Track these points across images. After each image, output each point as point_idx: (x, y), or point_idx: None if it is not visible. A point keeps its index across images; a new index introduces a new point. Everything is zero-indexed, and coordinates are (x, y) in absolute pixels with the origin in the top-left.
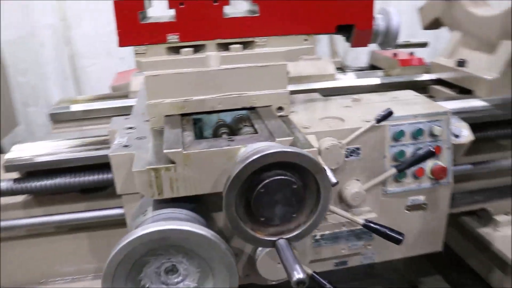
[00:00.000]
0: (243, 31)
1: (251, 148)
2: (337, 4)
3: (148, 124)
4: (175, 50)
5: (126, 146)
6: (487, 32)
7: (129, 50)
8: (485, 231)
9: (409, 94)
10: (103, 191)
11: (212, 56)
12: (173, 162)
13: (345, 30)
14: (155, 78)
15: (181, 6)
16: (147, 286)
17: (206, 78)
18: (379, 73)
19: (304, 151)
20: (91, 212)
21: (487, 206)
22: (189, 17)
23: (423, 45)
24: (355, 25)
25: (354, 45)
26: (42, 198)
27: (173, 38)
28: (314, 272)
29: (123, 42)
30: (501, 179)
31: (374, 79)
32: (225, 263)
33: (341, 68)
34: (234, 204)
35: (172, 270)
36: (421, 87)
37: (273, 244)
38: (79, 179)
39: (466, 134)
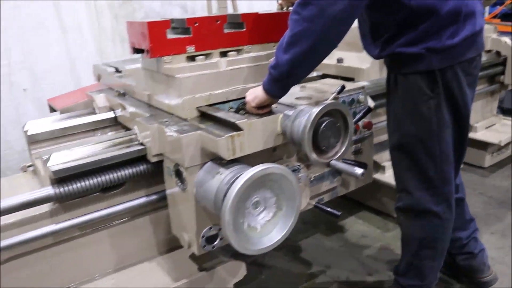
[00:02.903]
0: (237, 41)
1: (294, 111)
2: None
3: (173, 118)
4: (191, 58)
5: (184, 130)
6: (354, 37)
7: (30, 81)
8: (377, 176)
9: (329, 80)
10: (121, 188)
11: (221, 61)
12: (240, 129)
13: None
14: (188, 79)
15: (196, 25)
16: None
17: (221, 77)
18: None
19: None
20: (112, 208)
21: (375, 157)
22: (201, 32)
23: None
24: None
25: None
26: (67, 204)
27: (190, 49)
28: (316, 202)
29: (154, 54)
30: (383, 136)
31: None
32: (294, 192)
33: None
34: (310, 140)
35: (257, 204)
36: (312, 81)
37: (328, 164)
38: (103, 178)
39: (370, 101)
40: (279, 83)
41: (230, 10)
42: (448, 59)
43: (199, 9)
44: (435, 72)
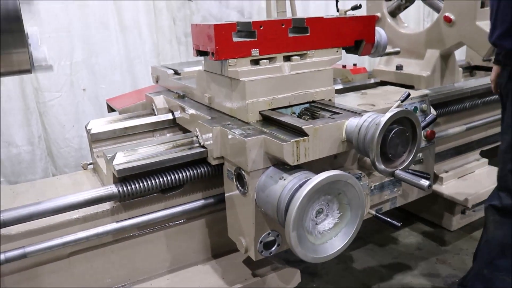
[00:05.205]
0: (301, 46)
1: (363, 117)
2: (355, 27)
3: (235, 121)
4: (255, 62)
5: (248, 134)
6: (414, 44)
7: (89, 81)
8: (434, 187)
9: (389, 87)
10: (180, 189)
11: (284, 65)
12: (306, 135)
13: (356, 44)
14: (252, 82)
15: (261, 28)
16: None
17: (284, 81)
18: (338, 80)
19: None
20: (171, 209)
21: None
22: (266, 36)
23: (397, 53)
24: (365, 39)
25: (362, 54)
26: (128, 203)
27: (255, 52)
28: (376, 211)
29: (219, 56)
30: (442, 146)
31: (338, 85)
32: (359, 200)
33: None
34: (378, 147)
35: (320, 211)
36: (371, 88)
37: (392, 174)
38: (164, 178)
39: (432, 110)
40: None
41: (288, 15)
42: None
43: (255, 13)
44: None
